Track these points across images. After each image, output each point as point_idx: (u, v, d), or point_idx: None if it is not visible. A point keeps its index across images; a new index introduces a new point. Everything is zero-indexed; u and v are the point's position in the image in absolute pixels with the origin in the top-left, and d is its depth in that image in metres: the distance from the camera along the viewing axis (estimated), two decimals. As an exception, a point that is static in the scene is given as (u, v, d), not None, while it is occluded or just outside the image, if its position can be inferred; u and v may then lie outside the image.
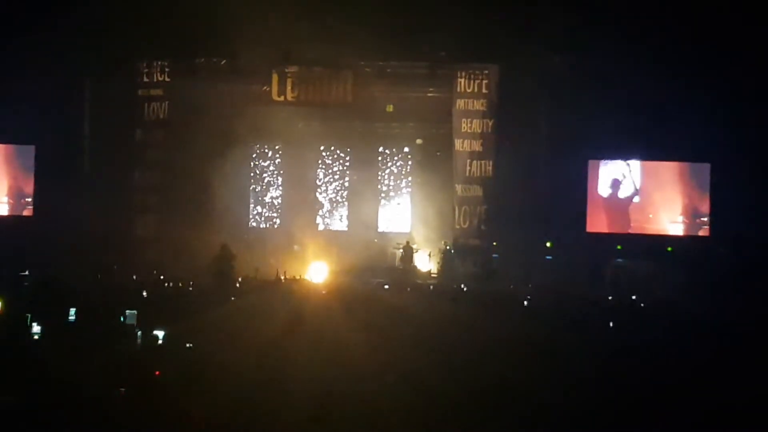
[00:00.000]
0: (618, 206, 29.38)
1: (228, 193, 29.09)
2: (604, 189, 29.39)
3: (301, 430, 8.89)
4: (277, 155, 32.53)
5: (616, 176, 29.31)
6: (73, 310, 13.19)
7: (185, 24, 26.66)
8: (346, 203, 32.60)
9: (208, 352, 11.73)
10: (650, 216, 29.22)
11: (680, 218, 29.01)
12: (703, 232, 28.85)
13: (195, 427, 8.79)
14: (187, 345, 11.97)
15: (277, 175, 32.57)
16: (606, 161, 29.45)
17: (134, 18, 26.32)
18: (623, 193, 29.30)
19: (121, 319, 13.09)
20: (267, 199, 32.53)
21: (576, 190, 28.86)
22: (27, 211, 29.70)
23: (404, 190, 32.49)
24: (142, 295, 18.29)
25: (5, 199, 29.85)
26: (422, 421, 9.17)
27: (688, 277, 25.73)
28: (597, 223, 29.39)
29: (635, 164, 29.32)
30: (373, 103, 29.01)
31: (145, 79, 28.93)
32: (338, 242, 30.63)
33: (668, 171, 29.45)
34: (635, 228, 29.18)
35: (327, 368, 11.09)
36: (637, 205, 29.34)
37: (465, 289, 24.93)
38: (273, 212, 32.53)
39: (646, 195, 29.28)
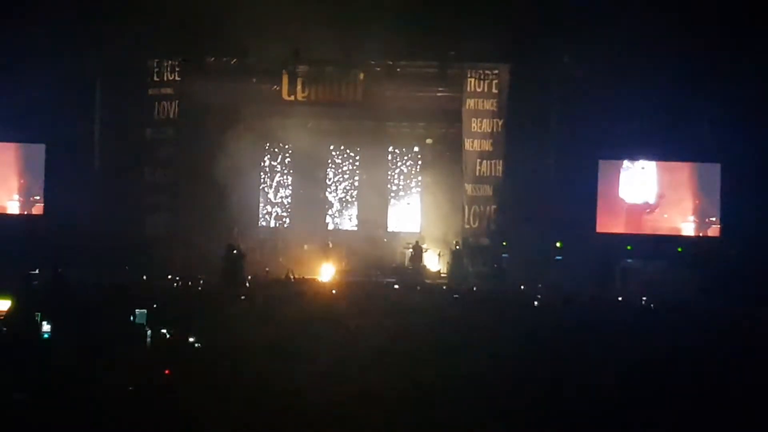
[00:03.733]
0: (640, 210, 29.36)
1: (238, 192, 29.09)
2: (628, 193, 29.34)
3: (309, 429, 8.89)
4: (287, 154, 32.57)
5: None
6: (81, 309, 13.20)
7: (196, 23, 26.73)
8: (355, 203, 32.63)
9: (217, 351, 11.73)
10: (665, 216, 29.13)
11: (691, 218, 28.94)
12: (713, 232, 28.78)
13: (205, 427, 8.79)
14: (195, 345, 11.98)
15: (287, 174, 32.62)
16: (626, 165, 29.33)
17: (145, 17, 26.37)
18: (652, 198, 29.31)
19: (131, 318, 13.10)
20: (277, 198, 32.57)
21: (586, 190, 28.79)
22: (36, 210, 29.75)
23: (414, 190, 32.51)
24: (152, 295, 18.27)
25: (16, 197, 29.91)
26: (429, 419, 9.18)
27: (699, 277, 25.69)
28: (613, 225, 29.26)
29: (651, 165, 29.26)
30: (383, 102, 28.99)
31: (156, 78, 28.94)
32: (348, 242, 30.66)
33: (681, 171, 29.37)
34: (652, 228, 29.07)
35: (336, 368, 11.08)
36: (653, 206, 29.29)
37: (475, 288, 24.92)
38: (283, 211, 32.57)
39: (662, 195, 29.21)
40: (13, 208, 29.85)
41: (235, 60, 28.69)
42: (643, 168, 29.24)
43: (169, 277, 24.83)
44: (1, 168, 29.88)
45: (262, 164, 32.42)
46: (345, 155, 32.67)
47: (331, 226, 32.38)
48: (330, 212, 32.60)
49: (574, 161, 28.25)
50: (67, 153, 28.79)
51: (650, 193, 29.21)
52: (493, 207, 28.31)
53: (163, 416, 8.87)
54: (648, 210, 29.21)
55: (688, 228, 28.96)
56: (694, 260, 27.14)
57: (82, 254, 25.12)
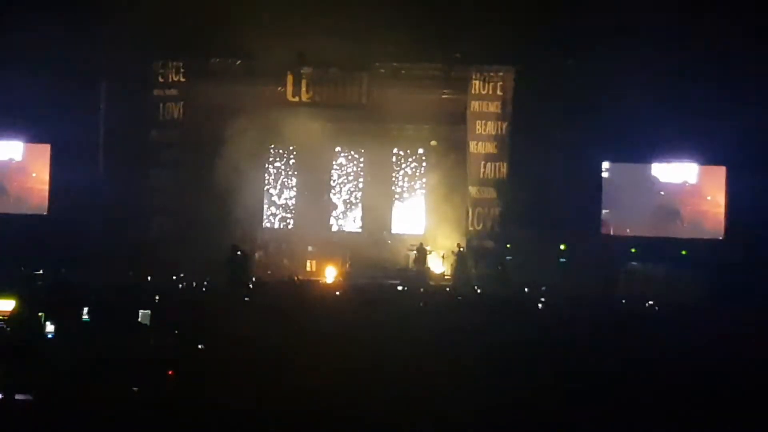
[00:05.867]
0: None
1: (242, 194, 29.10)
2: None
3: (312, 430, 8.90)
4: (292, 156, 32.55)
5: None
6: (85, 309, 13.18)
7: (201, 25, 26.78)
8: (359, 204, 32.61)
9: (221, 353, 11.73)
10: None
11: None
12: (719, 235, 28.70)
13: (208, 428, 8.81)
14: (199, 346, 11.98)
15: (291, 176, 32.59)
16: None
17: (150, 19, 26.41)
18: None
19: (135, 318, 13.10)
20: (281, 200, 32.57)
21: (591, 192, 28.77)
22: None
23: (418, 192, 32.46)
24: (156, 295, 18.27)
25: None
26: (431, 421, 9.19)
27: (703, 280, 25.66)
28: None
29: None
30: (388, 104, 28.99)
31: (161, 80, 29.03)
32: (352, 244, 30.66)
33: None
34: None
35: (340, 370, 11.08)
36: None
37: (479, 291, 24.91)
38: (287, 213, 32.56)
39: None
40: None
41: (239, 62, 28.81)
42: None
43: (174, 278, 24.85)
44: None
45: (267, 166, 32.41)
46: (349, 157, 32.64)
47: (335, 228, 32.36)
48: (334, 214, 32.58)
49: (579, 163, 28.25)
50: (72, 154, 28.83)
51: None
52: (498, 209, 28.35)
53: (166, 417, 8.88)
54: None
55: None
56: (698, 263, 27.09)
57: (87, 255, 25.17)
